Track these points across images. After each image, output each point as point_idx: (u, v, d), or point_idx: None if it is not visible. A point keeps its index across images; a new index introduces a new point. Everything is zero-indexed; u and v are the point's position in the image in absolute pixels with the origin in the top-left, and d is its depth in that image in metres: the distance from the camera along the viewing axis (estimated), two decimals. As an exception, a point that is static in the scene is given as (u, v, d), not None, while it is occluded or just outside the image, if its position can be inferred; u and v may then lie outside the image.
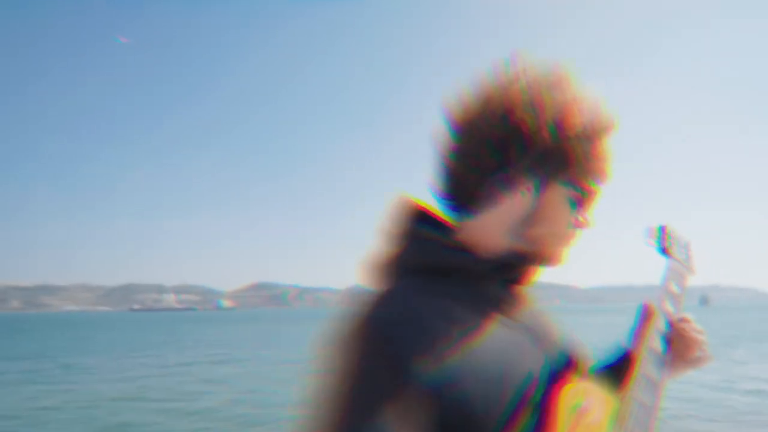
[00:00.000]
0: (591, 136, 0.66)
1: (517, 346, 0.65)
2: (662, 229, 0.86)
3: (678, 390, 9.33)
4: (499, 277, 0.67)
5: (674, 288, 0.82)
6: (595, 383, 0.69)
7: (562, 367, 0.68)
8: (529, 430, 0.59)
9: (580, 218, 0.70)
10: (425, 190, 0.73)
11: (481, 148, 0.66)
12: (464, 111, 0.68)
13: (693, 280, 0.86)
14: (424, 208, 0.71)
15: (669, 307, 0.80)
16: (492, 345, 0.62)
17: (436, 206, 0.72)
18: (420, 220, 0.69)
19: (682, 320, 0.80)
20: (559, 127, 0.64)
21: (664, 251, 0.85)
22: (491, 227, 0.68)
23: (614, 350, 0.85)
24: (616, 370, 0.80)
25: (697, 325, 0.80)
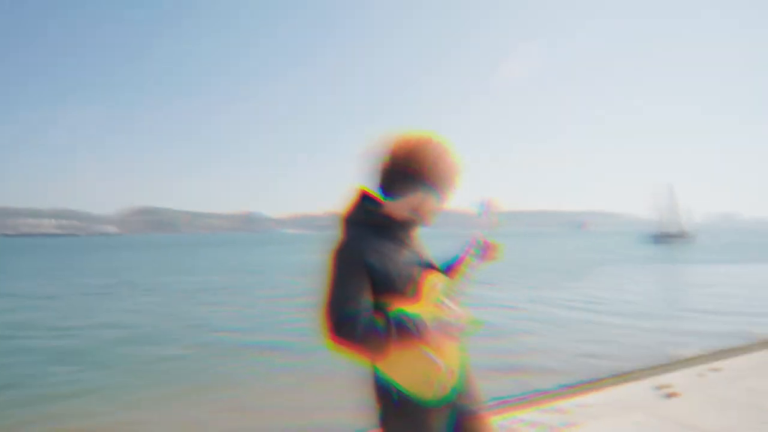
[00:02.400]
0: (449, 173, 1.49)
1: (408, 254, 1.48)
2: (480, 202, 1.68)
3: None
4: (402, 228, 1.51)
5: (479, 230, 1.66)
6: (440, 275, 1.53)
7: (428, 267, 1.52)
8: (412, 292, 1.42)
9: (439, 206, 1.52)
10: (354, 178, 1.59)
11: (398, 170, 1.45)
12: (391, 148, 1.47)
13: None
14: (367, 191, 1.50)
15: (480, 235, 1.65)
16: (396, 252, 1.45)
17: (372, 191, 1.50)
18: (365, 197, 1.49)
19: (485, 241, 1.67)
20: (433, 168, 1.45)
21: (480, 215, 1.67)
22: (401, 206, 1.48)
23: (452, 258, 1.67)
24: (452, 268, 1.63)
25: (490, 241, 1.67)
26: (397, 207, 1.49)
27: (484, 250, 1.67)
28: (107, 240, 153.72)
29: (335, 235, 1.45)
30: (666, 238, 56.84)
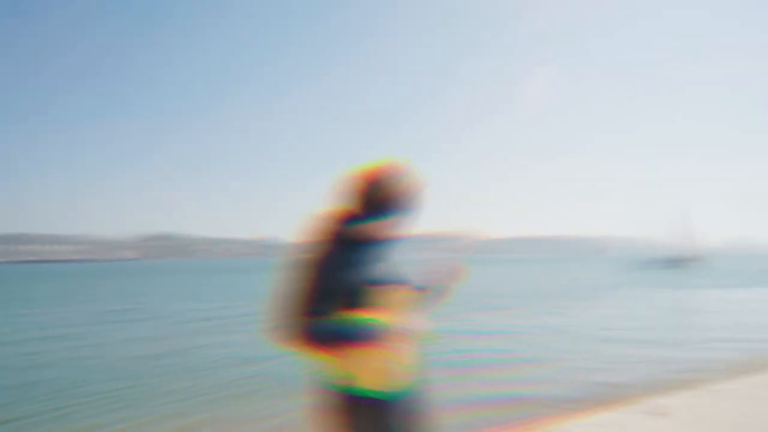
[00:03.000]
0: (414, 199, 1.74)
1: (378, 269, 1.68)
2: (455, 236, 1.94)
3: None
4: (375, 246, 1.71)
5: (452, 253, 1.96)
6: (407, 292, 1.76)
7: (395, 282, 1.71)
8: (377, 303, 1.60)
9: (404, 226, 1.76)
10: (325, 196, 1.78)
11: (361, 200, 1.67)
12: (364, 177, 1.69)
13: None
14: (344, 212, 1.69)
15: (447, 258, 1.95)
16: (367, 266, 1.64)
17: (348, 212, 1.68)
18: (341, 216, 1.68)
19: (450, 265, 1.95)
20: (400, 195, 1.69)
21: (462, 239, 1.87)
22: (373, 228, 1.68)
23: (423, 276, 1.93)
24: (421, 284, 1.90)
25: (454, 266, 1.95)
26: (369, 228, 1.70)
27: (452, 272, 1.87)
28: (125, 266, 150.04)
29: (313, 248, 1.64)
30: (680, 262, 56.41)
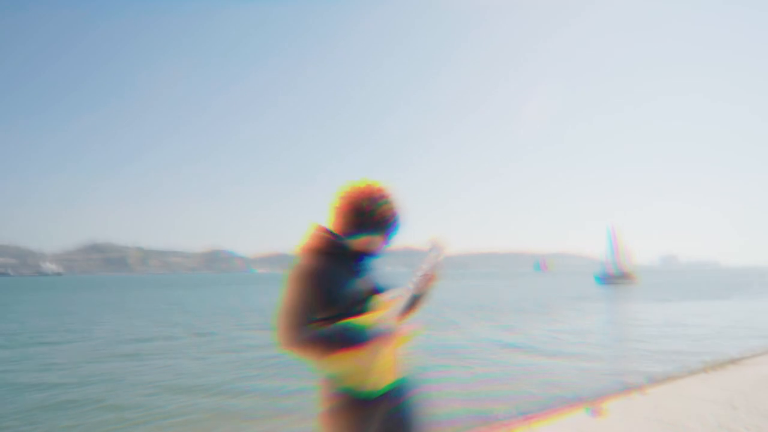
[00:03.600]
0: (392, 221, 1.89)
1: (360, 279, 1.84)
2: (430, 241, 1.99)
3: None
4: (356, 258, 1.87)
5: (428, 262, 1.95)
6: (387, 298, 1.86)
7: (376, 290, 1.86)
8: (359, 310, 1.76)
9: (383, 242, 1.92)
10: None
11: (353, 217, 1.84)
12: (345, 199, 1.86)
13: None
14: (327, 227, 1.88)
15: (425, 268, 1.93)
16: (349, 276, 1.81)
17: (335, 228, 1.87)
18: (325, 231, 1.87)
19: (427, 273, 1.95)
20: (379, 216, 1.85)
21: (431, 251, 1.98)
22: (354, 243, 1.85)
23: (402, 288, 1.94)
24: (398, 293, 1.91)
25: (430, 273, 1.95)
26: (351, 243, 1.86)
27: (424, 281, 1.98)
28: (47, 280, 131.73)
29: (298, 260, 1.81)
30: (613, 278, 59.50)
